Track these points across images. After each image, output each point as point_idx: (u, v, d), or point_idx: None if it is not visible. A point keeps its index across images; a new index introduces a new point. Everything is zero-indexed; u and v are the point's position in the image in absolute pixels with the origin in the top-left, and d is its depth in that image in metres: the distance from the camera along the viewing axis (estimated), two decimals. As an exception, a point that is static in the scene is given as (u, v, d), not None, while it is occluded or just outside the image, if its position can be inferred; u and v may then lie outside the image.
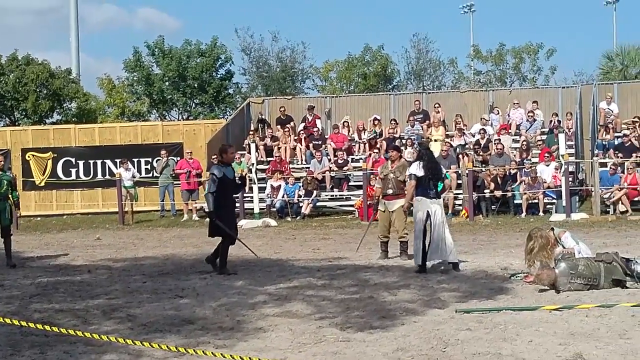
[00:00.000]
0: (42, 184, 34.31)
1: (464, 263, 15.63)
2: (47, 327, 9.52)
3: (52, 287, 14.21)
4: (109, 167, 34.09)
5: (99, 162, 34.40)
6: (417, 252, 14.94)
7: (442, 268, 15.07)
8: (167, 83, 47.98)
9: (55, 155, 34.47)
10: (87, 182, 34.40)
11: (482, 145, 30.18)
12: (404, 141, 30.92)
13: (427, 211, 14.90)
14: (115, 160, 33.48)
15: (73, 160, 34.48)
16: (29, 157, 34.39)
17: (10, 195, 18.20)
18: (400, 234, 16.53)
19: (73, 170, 34.51)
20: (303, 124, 34.34)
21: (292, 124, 34.31)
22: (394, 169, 16.56)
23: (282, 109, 35.09)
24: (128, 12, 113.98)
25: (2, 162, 18.33)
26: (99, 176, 34.33)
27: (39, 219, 31.89)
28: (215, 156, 30.97)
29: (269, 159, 32.02)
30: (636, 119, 30.66)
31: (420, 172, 15.01)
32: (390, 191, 16.53)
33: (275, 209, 29.17)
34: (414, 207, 15.30)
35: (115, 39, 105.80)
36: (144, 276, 15.36)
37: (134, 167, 32.40)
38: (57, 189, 34.42)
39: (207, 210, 16.01)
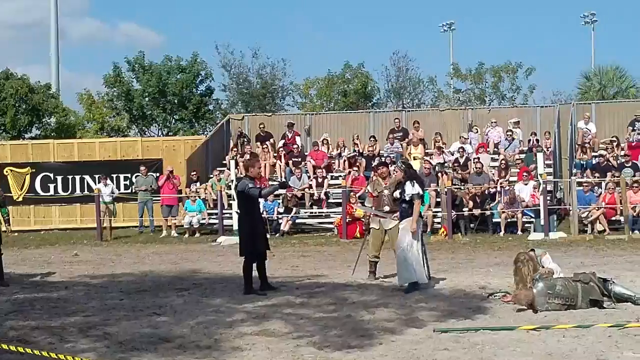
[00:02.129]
0: (20, 199, 34.14)
1: (443, 281, 15.67)
2: (20, 349, 9.44)
3: (28, 304, 14.14)
4: (87, 183, 33.98)
5: (77, 177, 34.28)
6: (422, 270, 14.91)
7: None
8: (147, 99, 47.92)
9: (34, 170, 34.34)
10: (65, 198, 34.27)
11: (461, 164, 30.26)
12: (383, 159, 30.98)
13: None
14: (94, 175, 33.42)
15: (51, 175, 34.35)
16: (7, 172, 34.24)
17: None
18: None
19: (51, 186, 34.37)
20: (283, 141, 34.34)
21: (271, 140, 34.33)
22: (388, 185, 16.35)
23: (261, 126, 35.12)
24: (110, 26, 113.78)
25: None
26: (78, 192, 34.19)
27: (16, 234, 31.65)
28: (194, 172, 31.14)
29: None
30: (614, 139, 30.80)
31: (421, 191, 15.14)
32: (386, 208, 16.23)
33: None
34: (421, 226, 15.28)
35: (96, 54, 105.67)
36: (122, 293, 15.30)
37: (112, 182, 32.34)
38: (35, 205, 34.28)
39: (260, 192, 15.51)
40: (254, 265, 15.12)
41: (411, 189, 15.09)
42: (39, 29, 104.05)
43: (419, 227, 15.06)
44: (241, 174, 30.09)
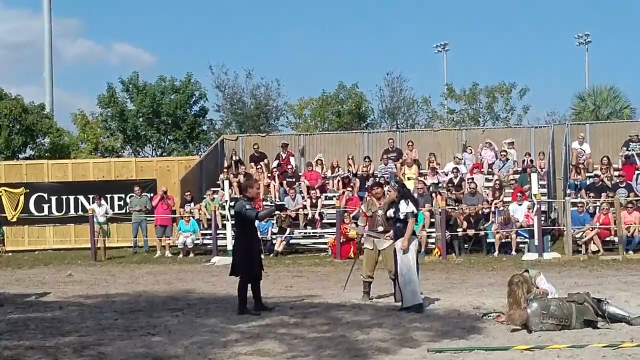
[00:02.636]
0: (14, 219, 34.09)
1: (438, 301, 15.66)
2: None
3: (22, 324, 14.11)
4: (81, 203, 33.94)
5: (71, 197, 34.25)
6: (417, 291, 14.78)
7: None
8: (141, 119, 47.85)
9: (28, 190, 34.29)
10: (59, 218, 34.23)
11: (455, 184, 30.28)
12: (377, 179, 31.04)
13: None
14: (88, 196, 33.32)
15: (46, 195, 34.31)
16: (1, 192, 34.20)
17: None
18: (393, 272, 15.85)
19: (45, 206, 34.34)
20: (277, 161, 34.37)
21: (265, 161, 34.33)
22: (382, 206, 16.29)
23: (255, 146, 35.13)
24: (104, 47, 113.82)
25: None
26: (72, 212, 34.17)
27: (10, 254, 31.66)
28: (189, 192, 31.13)
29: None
30: (605, 160, 30.77)
31: (415, 210, 15.11)
32: (380, 228, 16.19)
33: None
34: (413, 245, 15.07)
35: (90, 74, 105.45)
36: (116, 313, 15.28)
37: (107, 203, 32.30)
38: (29, 225, 34.22)
39: (257, 215, 15.34)
40: (249, 285, 15.11)
41: (405, 207, 15.03)
42: (33, 49, 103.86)
43: (414, 246, 15.04)
44: (235, 194, 30.16)
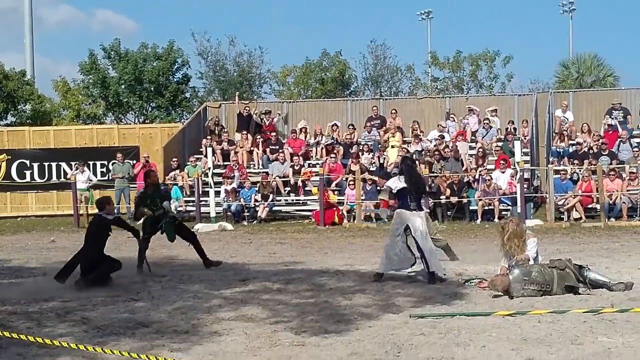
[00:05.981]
0: (-3, 185, 34.04)
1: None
2: None
3: (5, 289, 14.09)
4: (63, 170, 33.84)
5: (53, 164, 34.15)
6: (382, 261, 14.57)
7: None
8: (123, 86, 47.68)
9: (10, 157, 34.18)
10: (41, 185, 34.15)
11: (440, 150, 30.26)
12: (360, 147, 31.10)
13: (407, 224, 14.44)
14: (71, 163, 33.24)
15: (28, 162, 34.21)
16: (-18, 159, 34.12)
17: None
18: None
19: (28, 173, 34.24)
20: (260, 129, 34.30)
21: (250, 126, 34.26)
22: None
23: (247, 109, 35.00)
24: (85, 13, 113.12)
25: None
26: (54, 179, 34.07)
27: (-8, 221, 31.64)
28: (175, 160, 31.06)
29: (225, 163, 31.98)
30: (585, 127, 30.90)
31: (398, 185, 14.66)
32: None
33: (231, 213, 29.13)
34: (393, 219, 14.91)
35: (72, 41, 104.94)
36: (99, 279, 15.25)
37: (89, 170, 32.19)
38: (11, 191, 34.13)
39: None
40: None
41: (386, 183, 15.00)
42: (14, 15, 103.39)
43: (402, 222, 14.55)
44: (218, 161, 30.16)
